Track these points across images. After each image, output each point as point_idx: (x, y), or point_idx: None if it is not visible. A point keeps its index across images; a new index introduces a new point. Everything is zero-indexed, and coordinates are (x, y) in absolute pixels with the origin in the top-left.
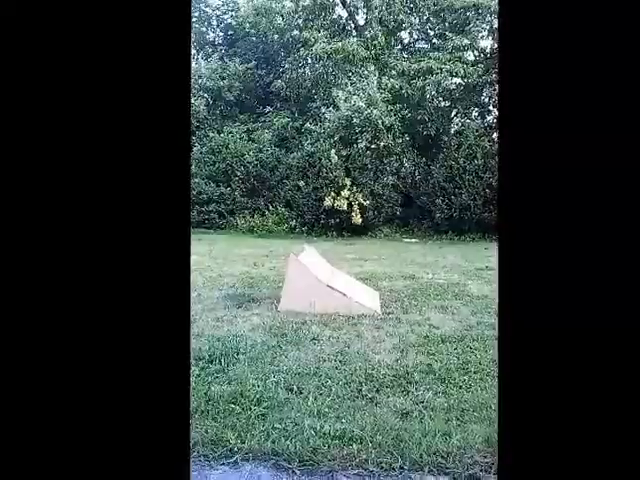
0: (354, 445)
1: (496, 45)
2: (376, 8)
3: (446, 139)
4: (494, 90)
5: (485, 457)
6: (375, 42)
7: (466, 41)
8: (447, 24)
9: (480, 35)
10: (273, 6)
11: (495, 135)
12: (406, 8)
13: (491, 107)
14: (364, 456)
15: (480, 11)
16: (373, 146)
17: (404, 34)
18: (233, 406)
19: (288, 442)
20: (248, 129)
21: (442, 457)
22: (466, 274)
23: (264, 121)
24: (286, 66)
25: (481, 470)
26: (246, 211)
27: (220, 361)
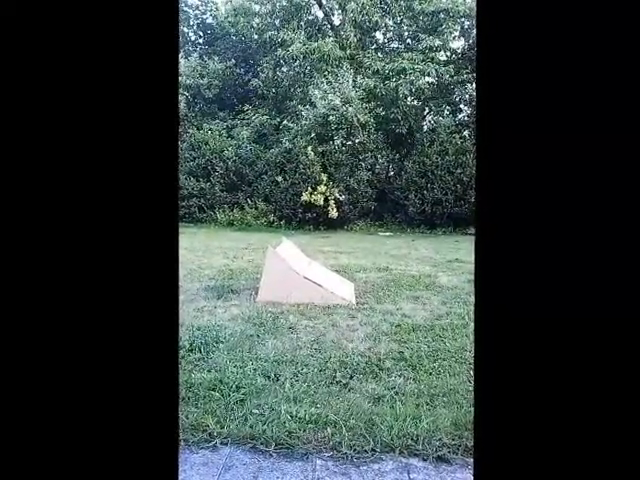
0: (328, 429)
1: (467, 46)
2: (352, 10)
3: (419, 136)
4: (465, 89)
5: (453, 440)
6: (350, 42)
7: (438, 42)
8: (420, 25)
9: (452, 36)
10: (251, 7)
11: (466, 132)
12: (380, 10)
13: (462, 105)
14: (338, 439)
15: (451, 14)
16: (348, 143)
17: (378, 35)
18: (213, 393)
19: (265, 427)
20: (227, 126)
21: (412, 440)
22: (437, 266)
23: (243, 118)
24: (264, 65)
25: (449, 452)
26: (226, 205)
27: (201, 350)
